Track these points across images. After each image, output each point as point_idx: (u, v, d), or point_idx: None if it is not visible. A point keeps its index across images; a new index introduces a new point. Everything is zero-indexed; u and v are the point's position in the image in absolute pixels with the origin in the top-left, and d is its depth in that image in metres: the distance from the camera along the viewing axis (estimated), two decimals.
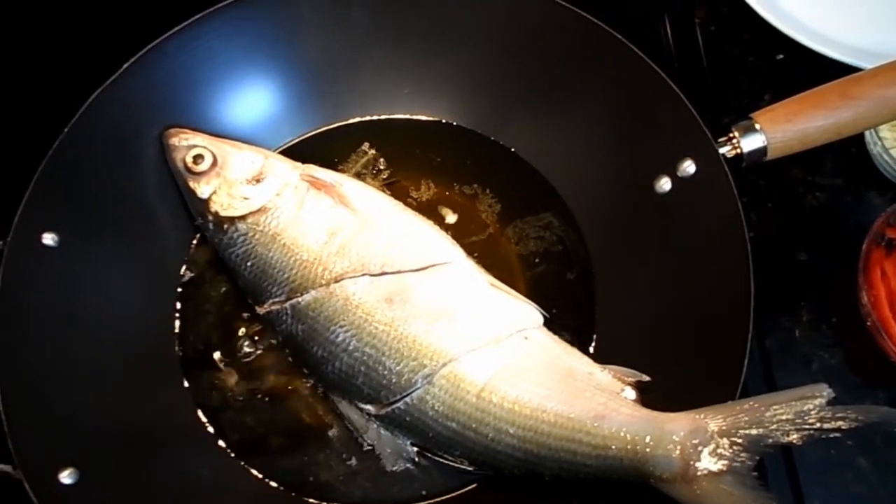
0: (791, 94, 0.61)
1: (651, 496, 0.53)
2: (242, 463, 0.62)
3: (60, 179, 0.62)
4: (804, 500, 0.62)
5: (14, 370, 0.56)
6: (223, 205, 0.64)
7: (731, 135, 0.60)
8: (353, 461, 0.62)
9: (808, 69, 0.73)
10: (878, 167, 0.72)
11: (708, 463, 0.51)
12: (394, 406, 0.59)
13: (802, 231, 0.72)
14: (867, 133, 0.72)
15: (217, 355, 0.65)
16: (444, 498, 0.60)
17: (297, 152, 0.71)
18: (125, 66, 0.64)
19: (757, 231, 0.59)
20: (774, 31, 0.75)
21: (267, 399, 0.64)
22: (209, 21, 0.66)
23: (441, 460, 0.60)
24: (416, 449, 0.61)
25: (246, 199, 0.64)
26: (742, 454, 0.51)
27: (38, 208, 0.60)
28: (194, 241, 0.69)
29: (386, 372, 0.59)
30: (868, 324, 0.63)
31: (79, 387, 0.59)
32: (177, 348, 0.65)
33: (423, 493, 0.61)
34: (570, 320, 0.66)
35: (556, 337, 0.62)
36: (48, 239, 0.61)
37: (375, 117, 0.73)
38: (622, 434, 0.54)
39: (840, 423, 0.49)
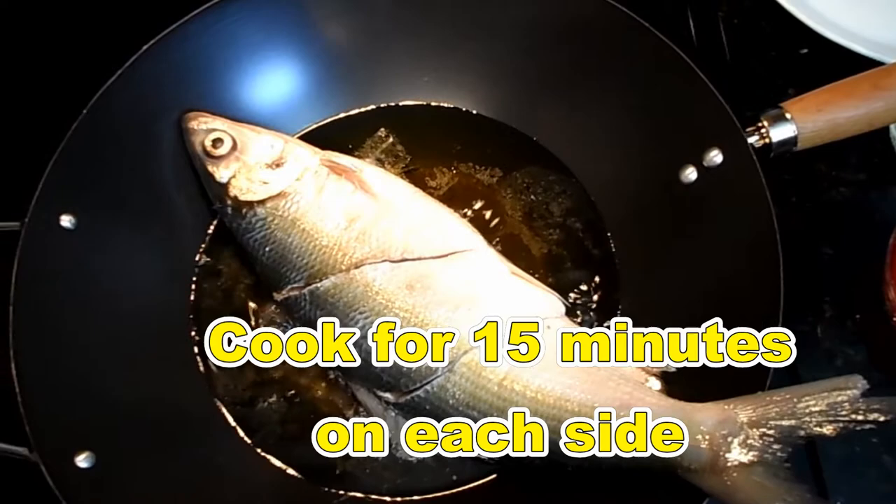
0: (815, 88, 0.60)
1: (676, 487, 0.52)
2: (259, 451, 0.61)
3: (78, 161, 0.61)
4: (829, 498, 0.61)
5: (30, 353, 0.55)
6: (242, 189, 0.64)
7: (760, 124, 0.59)
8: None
9: (832, 64, 0.72)
10: None
11: (738, 454, 0.50)
12: (413, 394, 0.58)
13: (827, 226, 0.71)
14: (892, 128, 0.71)
15: None
16: (464, 488, 0.60)
17: (315, 138, 0.71)
18: (145, 48, 0.63)
19: (781, 226, 0.58)
20: (798, 24, 0.74)
21: (285, 387, 0.63)
22: (230, 4, 0.65)
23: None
24: None
25: (265, 183, 0.64)
26: (773, 445, 0.49)
27: (56, 190, 0.59)
28: (212, 226, 0.68)
29: None
30: (894, 319, 0.62)
31: (95, 371, 0.58)
32: (193, 333, 0.64)
33: (454, 478, 0.60)
34: (592, 310, 0.65)
35: (578, 326, 0.61)
36: (66, 221, 0.60)
37: (394, 104, 0.72)
38: None
39: (875, 414, 0.48)
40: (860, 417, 0.48)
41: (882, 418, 0.48)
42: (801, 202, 0.72)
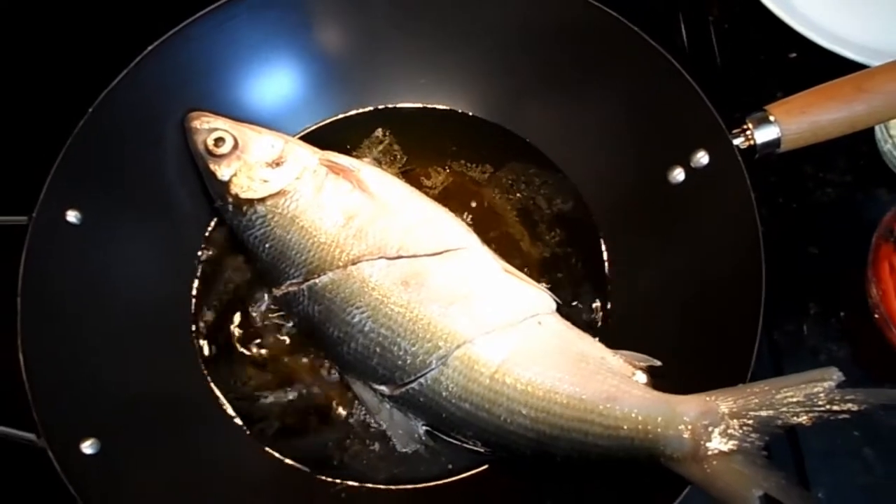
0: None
1: (659, 476, 0.54)
2: (259, 442, 0.63)
3: (84, 158, 0.63)
4: (810, 489, 0.62)
5: (38, 342, 0.57)
6: (243, 187, 0.65)
7: (745, 126, 0.61)
8: (376, 446, 0.63)
9: (820, 68, 0.73)
10: (887, 164, 0.73)
11: (718, 443, 0.52)
12: (408, 387, 0.59)
13: (812, 226, 0.73)
14: (877, 129, 0.73)
15: (234, 336, 0.66)
16: (459, 477, 0.61)
17: (314, 138, 0.72)
18: (149, 48, 0.65)
19: (767, 226, 0.60)
20: (787, 29, 0.76)
21: (284, 381, 0.65)
22: (232, 7, 0.67)
23: (454, 442, 0.61)
24: (426, 429, 0.62)
25: (265, 181, 0.65)
26: (752, 434, 0.51)
27: (63, 186, 0.61)
28: (213, 222, 0.70)
29: (401, 353, 0.59)
30: (876, 317, 0.64)
31: (100, 360, 0.60)
32: (194, 328, 0.66)
33: (449, 467, 0.62)
34: (582, 306, 0.67)
35: (568, 322, 0.63)
36: (72, 216, 0.61)
37: (391, 105, 0.74)
38: (633, 415, 0.54)
39: (849, 405, 0.49)
40: (836, 408, 0.50)
41: (856, 408, 0.49)
42: (788, 203, 0.73)
